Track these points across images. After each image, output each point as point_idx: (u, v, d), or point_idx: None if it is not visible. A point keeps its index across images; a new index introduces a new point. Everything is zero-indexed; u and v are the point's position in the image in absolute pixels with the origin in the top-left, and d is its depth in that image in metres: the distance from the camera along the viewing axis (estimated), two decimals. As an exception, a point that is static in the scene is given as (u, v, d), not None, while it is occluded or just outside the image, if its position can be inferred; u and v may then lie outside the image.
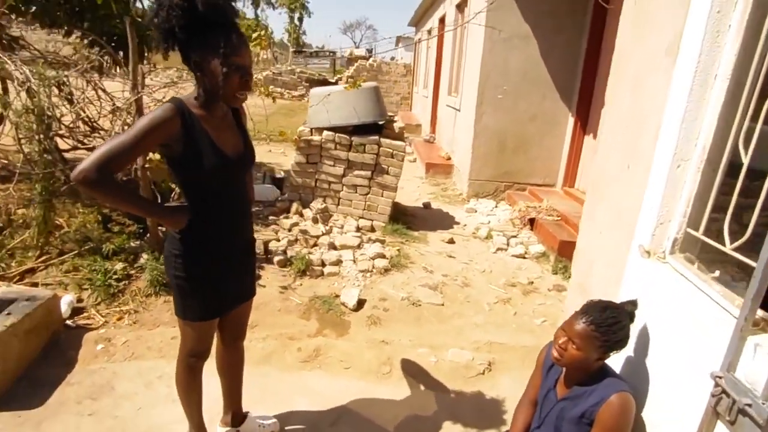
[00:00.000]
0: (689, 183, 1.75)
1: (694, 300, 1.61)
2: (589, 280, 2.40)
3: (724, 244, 1.58)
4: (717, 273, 1.62)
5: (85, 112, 4.08)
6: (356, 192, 4.83)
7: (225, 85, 1.55)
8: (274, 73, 18.88)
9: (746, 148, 1.50)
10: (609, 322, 1.58)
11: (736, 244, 1.52)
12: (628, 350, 1.94)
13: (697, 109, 1.69)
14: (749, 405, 1.26)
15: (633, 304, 1.71)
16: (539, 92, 5.99)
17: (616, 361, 2.00)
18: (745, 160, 1.51)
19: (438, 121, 9.90)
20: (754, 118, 1.50)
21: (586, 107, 5.73)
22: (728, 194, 1.61)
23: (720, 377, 1.37)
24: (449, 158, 7.78)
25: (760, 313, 1.38)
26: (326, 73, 24.05)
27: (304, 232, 4.26)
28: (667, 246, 1.84)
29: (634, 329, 1.91)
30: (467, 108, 6.56)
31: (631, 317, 1.68)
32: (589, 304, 1.67)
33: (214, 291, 1.77)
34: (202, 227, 1.69)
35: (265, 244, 3.92)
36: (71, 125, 4.00)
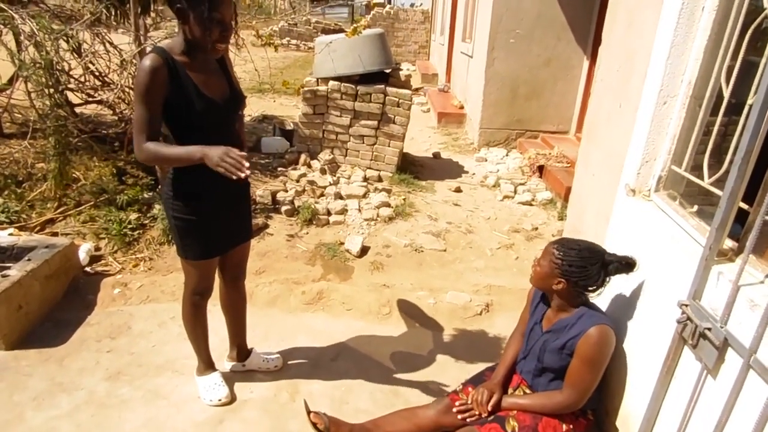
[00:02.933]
0: (674, 119, 1.73)
1: (674, 235, 1.64)
2: (581, 222, 2.42)
3: (704, 179, 1.58)
4: (695, 208, 1.64)
5: (93, 65, 4.14)
6: (363, 142, 4.85)
7: (204, 37, 1.60)
8: (289, 24, 18.45)
9: (728, 82, 1.48)
10: (570, 251, 1.67)
11: (714, 177, 1.52)
12: (617, 288, 1.99)
13: (684, 43, 1.65)
14: (709, 329, 1.31)
15: (620, 260, 1.70)
16: (553, 35, 5.78)
17: (605, 296, 2.05)
18: (726, 94, 1.49)
19: (452, 69, 9.67)
20: (735, 57, 1.47)
21: (601, 50, 5.53)
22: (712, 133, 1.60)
23: (686, 305, 1.41)
24: (462, 107, 7.66)
25: (729, 243, 1.41)
26: (344, 22, 23.41)
27: (311, 182, 4.34)
28: (652, 184, 1.84)
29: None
30: (479, 54, 6.40)
31: (603, 264, 1.69)
32: (561, 239, 1.75)
33: (209, 231, 1.86)
34: (195, 170, 1.76)
35: (273, 194, 4.02)
36: (80, 79, 4.07)
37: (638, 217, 1.85)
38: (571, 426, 1.76)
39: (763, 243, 1.32)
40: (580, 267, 1.66)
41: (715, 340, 1.28)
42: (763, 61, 1.34)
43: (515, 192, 4.74)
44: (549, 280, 1.72)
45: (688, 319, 1.39)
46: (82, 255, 3.05)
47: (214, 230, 1.89)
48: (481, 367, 2.16)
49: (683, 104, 1.70)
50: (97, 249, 3.25)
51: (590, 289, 1.72)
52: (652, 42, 1.78)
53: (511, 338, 2.07)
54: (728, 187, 1.27)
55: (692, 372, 1.42)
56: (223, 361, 2.37)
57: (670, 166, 1.78)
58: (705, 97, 1.63)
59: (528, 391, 1.89)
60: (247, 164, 1.55)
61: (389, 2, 24.17)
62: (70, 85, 4.00)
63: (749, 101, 1.38)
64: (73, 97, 4.23)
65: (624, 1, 2.07)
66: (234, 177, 1.52)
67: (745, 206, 1.35)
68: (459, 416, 1.85)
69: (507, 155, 5.93)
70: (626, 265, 1.71)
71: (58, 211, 3.46)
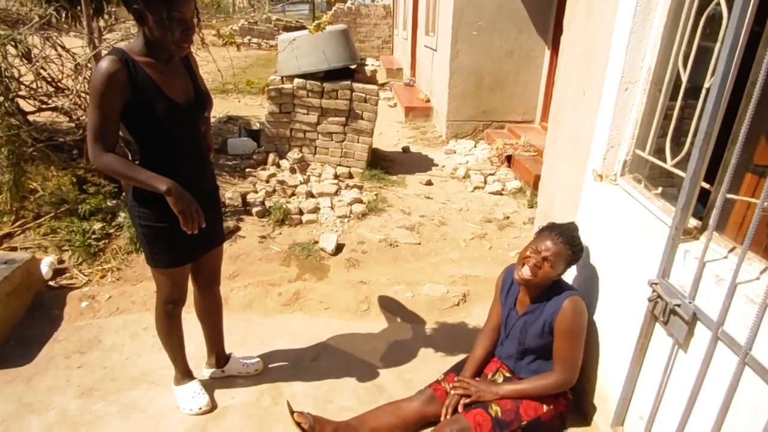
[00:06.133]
0: (636, 105, 1.78)
1: (641, 216, 1.69)
2: (552, 208, 2.47)
3: (666, 162, 1.63)
4: (660, 189, 1.69)
5: (45, 70, 3.97)
6: (332, 139, 4.82)
7: (165, 38, 1.55)
8: (249, 22, 18.13)
9: (685, 66, 1.53)
10: (576, 240, 1.75)
11: (676, 160, 1.58)
12: (586, 268, 2.04)
13: (642, 29, 1.70)
14: (678, 305, 1.36)
15: (573, 226, 1.86)
16: (515, 27, 5.87)
17: (578, 280, 2.10)
18: (684, 78, 1.54)
19: (417, 63, 9.69)
20: (691, 42, 1.52)
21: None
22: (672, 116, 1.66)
23: (656, 283, 1.46)
24: (428, 101, 7.70)
25: (693, 222, 1.46)
26: (305, 19, 23.15)
27: (281, 182, 4.29)
28: (617, 168, 1.89)
29: (590, 248, 2.00)
30: (443, 47, 6.43)
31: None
32: (554, 226, 1.78)
33: (178, 238, 1.80)
34: (160, 175, 1.71)
35: (243, 196, 3.95)
36: (32, 85, 3.90)
37: (606, 201, 1.90)
38: (552, 406, 1.80)
39: (725, 220, 1.38)
40: (583, 248, 1.78)
41: (684, 316, 1.33)
42: (717, 45, 1.39)
43: (485, 182, 4.80)
44: (557, 274, 1.77)
45: (659, 296, 1.44)
46: (45, 269, 2.93)
47: (184, 236, 1.83)
48: (461, 356, 2.18)
49: (644, 90, 1.75)
50: (61, 262, 3.13)
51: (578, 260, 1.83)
52: (612, 30, 1.82)
53: (481, 333, 2.07)
54: (690, 168, 1.32)
55: (664, 347, 1.47)
56: (202, 369, 2.32)
57: (634, 150, 1.83)
58: (664, 82, 1.68)
59: (508, 374, 1.92)
60: (203, 225, 1.69)
61: (350, -3, 23.98)
62: (21, 93, 3.82)
63: (706, 84, 1.43)
64: (26, 105, 4.05)
65: (583, -10, 2.12)
66: (184, 227, 1.65)
67: (706, 186, 1.40)
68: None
69: (475, 146, 6.00)
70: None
71: (16, 224, 3.31)
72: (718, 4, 1.42)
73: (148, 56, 1.61)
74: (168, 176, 1.65)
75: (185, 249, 1.88)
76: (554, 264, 1.72)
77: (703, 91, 1.44)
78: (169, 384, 2.20)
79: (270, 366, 2.41)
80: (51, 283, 2.94)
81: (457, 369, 2.00)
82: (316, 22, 3.76)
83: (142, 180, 1.61)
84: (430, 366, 2.42)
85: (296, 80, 4.61)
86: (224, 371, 2.31)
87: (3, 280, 2.50)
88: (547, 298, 1.79)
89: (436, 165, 5.45)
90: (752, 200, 1.32)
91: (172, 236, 1.78)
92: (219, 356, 2.31)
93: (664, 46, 1.67)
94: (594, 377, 1.93)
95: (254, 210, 3.82)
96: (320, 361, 2.47)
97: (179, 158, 1.76)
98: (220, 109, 7.03)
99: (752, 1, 1.21)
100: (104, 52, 3.54)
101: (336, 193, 4.23)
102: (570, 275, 2.17)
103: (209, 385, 2.22)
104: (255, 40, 17.43)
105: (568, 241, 1.73)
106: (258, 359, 2.38)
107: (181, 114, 1.69)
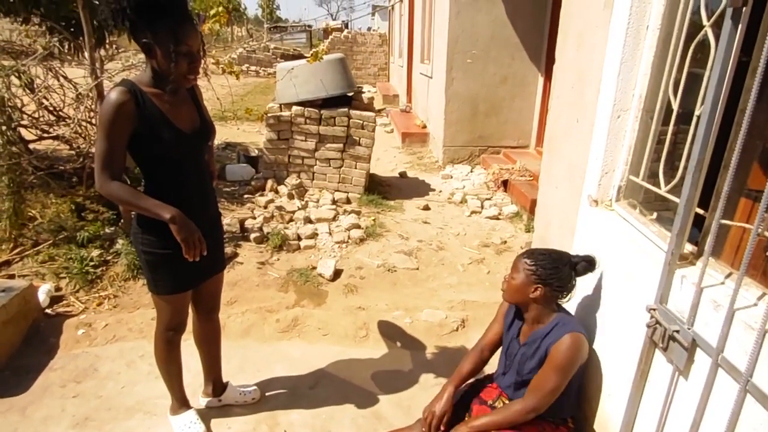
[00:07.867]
0: (629, 132, 1.82)
1: (637, 242, 1.71)
2: (548, 233, 2.49)
3: (660, 188, 1.66)
4: (655, 215, 1.71)
5: (47, 100, 4.02)
6: (330, 165, 4.86)
7: (173, 70, 1.59)
8: (248, 50, 18.49)
9: (675, 94, 1.57)
10: (540, 257, 1.73)
11: (670, 185, 1.60)
12: (584, 293, 2.04)
13: (633, 59, 1.75)
14: (677, 331, 1.36)
15: (585, 259, 1.78)
16: (508, 54, 6.00)
17: (577, 306, 2.10)
18: (675, 105, 1.58)
19: (413, 90, 9.86)
20: (681, 69, 1.57)
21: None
22: (664, 142, 1.69)
23: (654, 309, 1.47)
24: (425, 126, 7.80)
25: (689, 247, 1.48)
26: (302, 48, 23.60)
27: (279, 208, 4.31)
28: (612, 194, 1.92)
29: (589, 276, 2.01)
30: (438, 74, 6.56)
31: (571, 264, 1.77)
32: (523, 252, 1.80)
33: (182, 264, 1.81)
34: (165, 202, 1.72)
35: (241, 222, 3.96)
36: (34, 115, 3.95)
37: (602, 227, 1.92)
38: (553, 436, 1.78)
39: (721, 245, 1.40)
40: (553, 268, 1.73)
41: (683, 342, 1.34)
42: (707, 73, 1.44)
43: (482, 207, 4.83)
44: (525, 289, 1.74)
45: (657, 322, 1.45)
46: (42, 296, 2.91)
47: (186, 263, 1.84)
48: (461, 383, 2.16)
49: (636, 117, 1.79)
50: (58, 289, 3.12)
51: (564, 290, 1.78)
52: (603, 60, 1.88)
53: (472, 349, 2.05)
54: (684, 195, 1.34)
55: (665, 374, 1.46)
56: (198, 398, 2.29)
57: (629, 176, 1.86)
58: (655, 109, 1.72)
59: (507, 401, 1.90)
60: (205, 253, 1.72)
61: (346, 27, 24.60)
62: (23, 122, 3.87)
63: (697, 112, 1.47)
64: (27, 134, 4.09)
65: (574, 23, 2.18)
66: (186, 255, 1.68)
67: (701, 211, 1.42)
68: None
69: (471, 171, 6.06)
70: (590, 262, 1.79)
71: (15, 252, 3.31)
72: (706, 34, 1.47)
73: (156, 87, 1.66)
74: (172, 204, 1.67)
75: (187, 275, 1.88)
76: (514, 275, 1.77)
77: (694, 119, 1.48)
78: (165, 413, 2.17)
79: (267, 394, 2.38)
80: (48, 310, 2.93)
81: (456, 396, 1.98)
82: (314, 50, 3.84)
83: (147, 208, 1.64)
84: (429, 393, 2.39)
85: (294, 108, 4.68)
86: (221, 400, 2.28)
87: (0, 309, 2.48)
88: (548, 329, 1.77)
89: (433, 190, 5.49)
90: (747, 226, 1.34)
91: (175, 263, 1.79)
92: (216, 384, 2.28)
93: (655, 74, 1.72)
94: (596, 404, 1.92)
95: (252, 236, 3.82)
96: (318, 388, 2.44)
97: (183, 186, 1.78)
98: (218, 135, 7.09)
99: (738, 33, 1.25)
100: (106, 81, 3.61)
101: (334, 219, 4.25)
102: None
103: (205, 415, 2.20)
104: (253, 67, 17.76)
105: (529, 256, 1.76)
106: (255, 387, 2.36)
107: (186, 143, 1.72)
